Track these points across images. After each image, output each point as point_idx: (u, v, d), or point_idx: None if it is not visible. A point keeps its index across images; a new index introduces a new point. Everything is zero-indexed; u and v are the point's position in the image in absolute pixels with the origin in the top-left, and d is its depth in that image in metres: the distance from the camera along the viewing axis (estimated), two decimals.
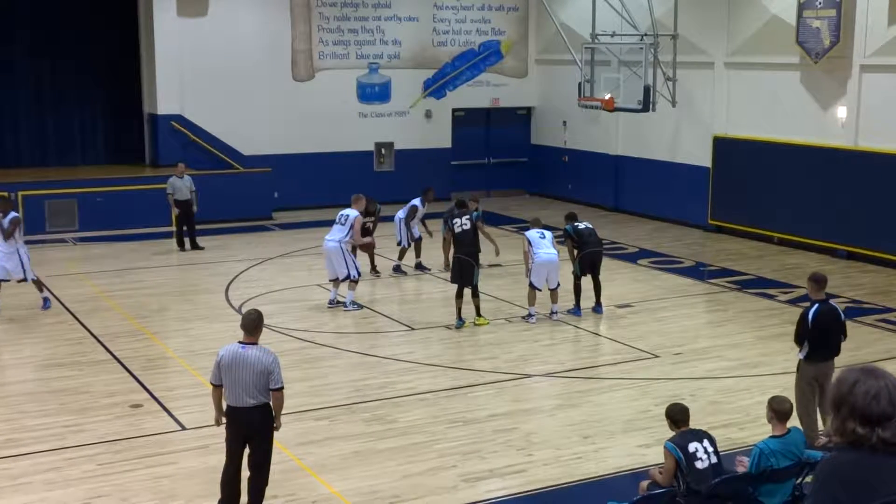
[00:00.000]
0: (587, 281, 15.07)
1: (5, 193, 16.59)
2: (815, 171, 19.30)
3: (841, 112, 18.94)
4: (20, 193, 20.76)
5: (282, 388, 8.24)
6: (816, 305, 9.70)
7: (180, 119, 23.14)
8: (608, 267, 18.26)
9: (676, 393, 11.30)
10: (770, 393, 8.82)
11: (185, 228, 19.55)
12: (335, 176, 24.49)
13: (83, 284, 16.83)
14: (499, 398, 11.43)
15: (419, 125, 25.73)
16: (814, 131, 19.44)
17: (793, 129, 19.83)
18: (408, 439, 10.16)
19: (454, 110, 26.19)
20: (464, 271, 14.28)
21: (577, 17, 23.61)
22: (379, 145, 25.34)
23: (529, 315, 14.56)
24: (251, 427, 8.22)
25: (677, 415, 8.14)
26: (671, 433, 8.11)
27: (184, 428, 10.54)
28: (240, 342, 8.21)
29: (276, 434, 8.50)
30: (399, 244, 17.72)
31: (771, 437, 7.95)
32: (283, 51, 24.09)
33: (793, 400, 8.29)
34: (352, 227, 15.21)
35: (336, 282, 15.35)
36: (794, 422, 8.13)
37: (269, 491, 8.92)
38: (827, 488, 3.42)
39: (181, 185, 19.39)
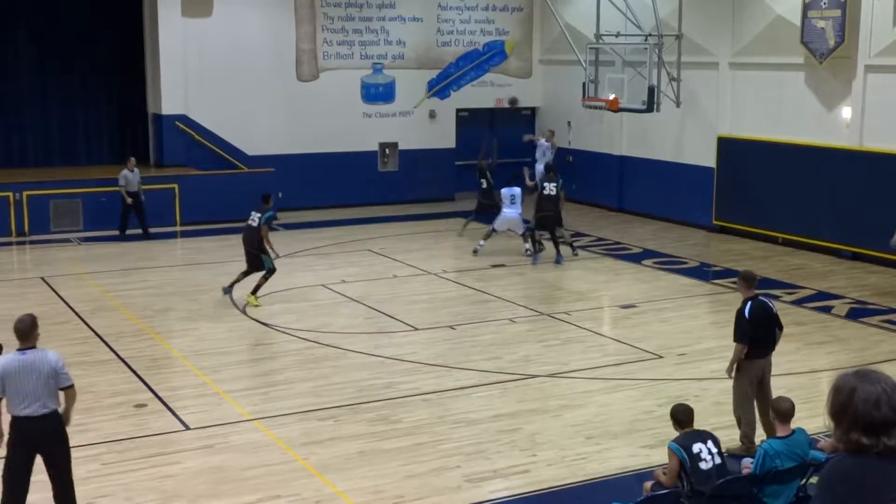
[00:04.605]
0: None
1: None
2: (819, 172, 19.28)
3: (845, 112, 18.92)
4: (25, 193, 20.82)
5: (72, 385, 7.99)
6: (750, 303, 9.70)
7: (185, 119, 23.16)
8: (612, 268, 18.37)
9: (681, 393, 11.29)
10: (774, 394, 8.82)
11: (132, 218, 20.74)
12: (339, 176, 24.53)
13: (88, 284, 16.86)
14: (503, 398, 11.43)
15: (423, 125, 25.73)
16: (818, 132, 19.42)
17: (797, 129, 19.81)
18: (412, 439, 10.16)
19: (458, 110, 26.20)
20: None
21: (582, 17, 23.60)
22: (383, 145, 25.35)
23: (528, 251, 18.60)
24: (42, 438, 7.90)
25: (681, 415, 8.14)
26: (675, 434, 8.12)
27: (188, 428, 10.56)
28: (18, 349, 7.90)
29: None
30: None
31: (775, 437, 7.94)
32: (288, 51, 24.10)
33: (794, 400, 8.27)
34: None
35: None
36: (797, 422, 8.12)
37: (272, 490, 8.96)
38: (832, 491, 3.42)
39: (132, 177, 20.56)
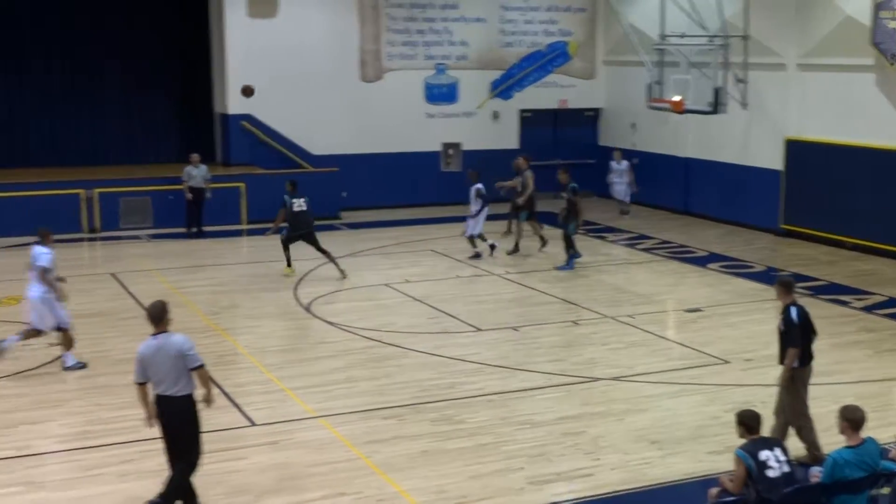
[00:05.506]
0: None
1: None
2: (889, 175, 18.91)
3: None
4: (96, 191, 21.22)
5: (201, 365, 8.38)
6: (795, 308, 9.63)
7: (250, 119, 23.44)
8: (677, 271, 18.26)
9: (747, 400, 11.13)
10: (843, 402, 8.66)
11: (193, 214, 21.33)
12: (402, 176, 24.64)
13: (156, 281, 17.13)
14: (567, 401, 11.40)
15: (486, 126, 25.74)
16: (888, 134, 19.04)
17: (867, 131, 19.45)
18: (475, 440, 10.18)
19: (521, 111, 26.17)
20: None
21: (646, 17, 23.41)
22: (446, 146, 25.41)
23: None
24: (175, 416, 8.40)
25: (749, 421, 8.04)
26: (742, 440, 8.02)
27: (253, 424, 10.69)
28: (151, 335, 8.42)
29: (209, 408, 8.72)
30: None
31: (845, 447, 7.81)
32: (352, 52, 24.27)
33: (865, 409, 8.11)
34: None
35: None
36: (867, 431, 7.98)
37: (336, 488, 9.03)
38: None
39: (196, 173, 20.97)
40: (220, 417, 10.79)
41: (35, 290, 12.29)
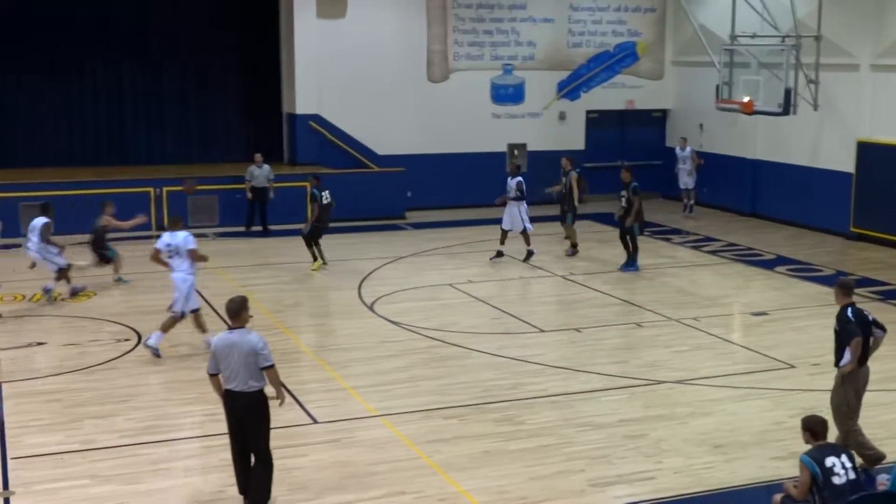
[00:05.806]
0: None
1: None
2: None
3: None
4: (165, 189, 21.57)
5: (272, 365, 8.42)
6: (850, 308, 9.58)
7: (318, 119, 23.66)
8: (743, 274, 18.01)
9: (813, 405, 10.95)
10: None
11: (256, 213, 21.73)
12: (468, 176, 24.66)
13: (222, 278, 17.35)
14: (629, 403, 11.32)
15: (552, 127, 25.65)
16: None
17: None
18: (537, 441, 10.16)
19: (588, 112, 26.03)
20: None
21: (716, 17, 23.11)
22: (511, 146, 25.37)
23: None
24: (243, 411, 8.44)
25: (815, 426, 7.93)
26: (807, 446, 7.90)
27: (315, 421, 10.78)
28: (228, 329, 8.54)
29: (281, 408, 8.98)
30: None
31: None
32: (419, 52, 24.36)
33: None
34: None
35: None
36: None
37: (396, 486, 9.07)
38: None
39: (259, 173, 21.42)
40: (283, 415, 10.85)
41: (182, 272, 12.93)
